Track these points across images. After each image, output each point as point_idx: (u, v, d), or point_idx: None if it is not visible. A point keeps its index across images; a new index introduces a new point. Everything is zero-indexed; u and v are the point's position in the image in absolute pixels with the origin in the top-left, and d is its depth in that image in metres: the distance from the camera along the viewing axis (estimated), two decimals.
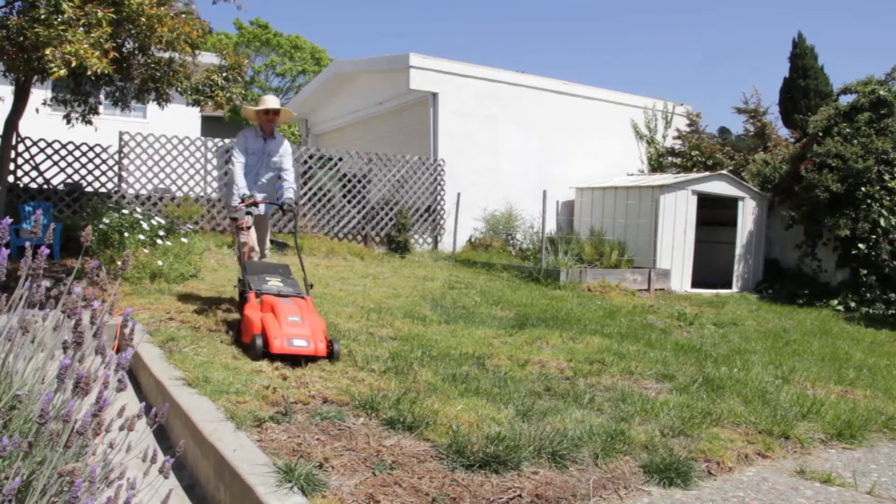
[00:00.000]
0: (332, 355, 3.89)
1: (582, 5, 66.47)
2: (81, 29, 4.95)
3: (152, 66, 6.56)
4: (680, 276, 10.61)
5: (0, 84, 8.17)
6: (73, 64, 4.86)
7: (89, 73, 5.10)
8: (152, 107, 7.90)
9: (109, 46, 5.19)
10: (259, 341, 3.81)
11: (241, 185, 5.06)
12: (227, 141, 10.31)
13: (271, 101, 5.23)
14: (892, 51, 49.58)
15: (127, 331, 1.84)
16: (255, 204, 5.07)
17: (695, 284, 10.78)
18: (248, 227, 5.02)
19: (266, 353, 3.79)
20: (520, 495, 2.36)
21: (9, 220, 1.80)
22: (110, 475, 1.73)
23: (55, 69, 4.83)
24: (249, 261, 4.96)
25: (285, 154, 5.29)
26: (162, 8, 5.73)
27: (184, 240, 7.22)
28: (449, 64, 11.71)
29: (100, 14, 5.07)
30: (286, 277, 4.72)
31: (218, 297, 5.86)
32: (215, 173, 10.01)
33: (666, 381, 4.24)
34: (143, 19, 5.47)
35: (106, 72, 5.18)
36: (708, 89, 62.72)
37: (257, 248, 5.34)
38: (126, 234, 6.67)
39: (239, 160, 5.09)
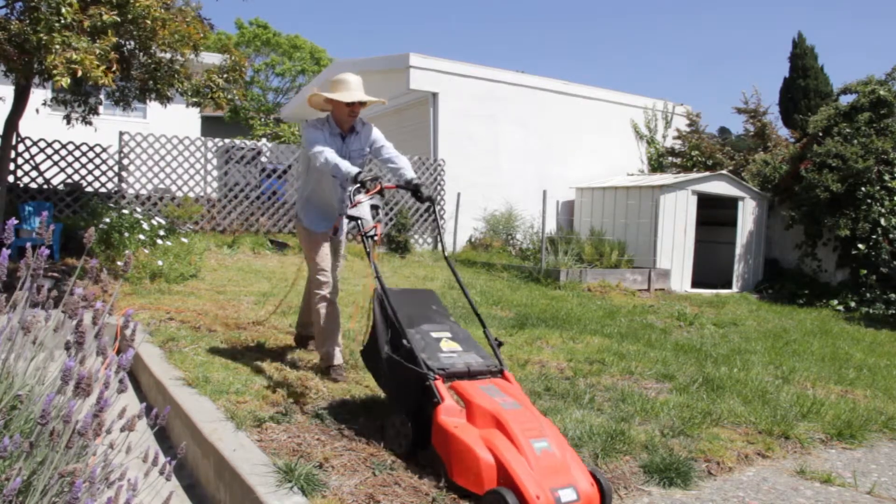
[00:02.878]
0: (605, 499, 2.32)
1: (582, 5, 66.47)
2: (85, 36, 4.91)
3: (153, 66, 6.55)
4: (680, 276, 10.61)
5: (0, 84, 8.17)
6: (79, 74, 4.81)
7: (92, 83, 5.06)
8: (152, 107, 7.91)
9: (114, 58, 5.13)
10: (512, 500, 2.14)
11: (344, 166, 3.36)
12: (226, 141, 10.32)
13: (356, 87, 3.62)
14: (892, 51, 49.61)
15: (128, 331, 1.85)
16: (382, 192, 3.35)
17: (695, 284, 10.78)
18: (373, 236, 3.31)
19: None
20: None
21: (14, 220, 1.81)
22: (111, 476, 1.74)
23: (58, 77, 4.77)
24: (393, 292, 3.07)
25: (379, 140, 3.80)
26: (167, 11, 5.71)
27: (184, 240, 7.23)
28: (449, 64, 11.71)
29: (105, 17, 5.02)
30: (450, 322, 3.08)
31: (218, 297, 5.86)
32: (215, 173, 10.01)
33: (666, 381, 4.24)
34: (148, 21, 5.43)
35: (109, 86, 5.13)
36: (708, 89, 62.72)
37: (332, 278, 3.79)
38: (126, 234, 6.68)
39: (324, 148, 3.48)
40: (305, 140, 3.64)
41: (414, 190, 3.53)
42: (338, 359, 3.70)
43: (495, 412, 2.46)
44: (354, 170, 3.33)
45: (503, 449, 2.33)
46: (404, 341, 2.76)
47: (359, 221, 3.28)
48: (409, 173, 3.64)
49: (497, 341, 3.01)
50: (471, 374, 2.74)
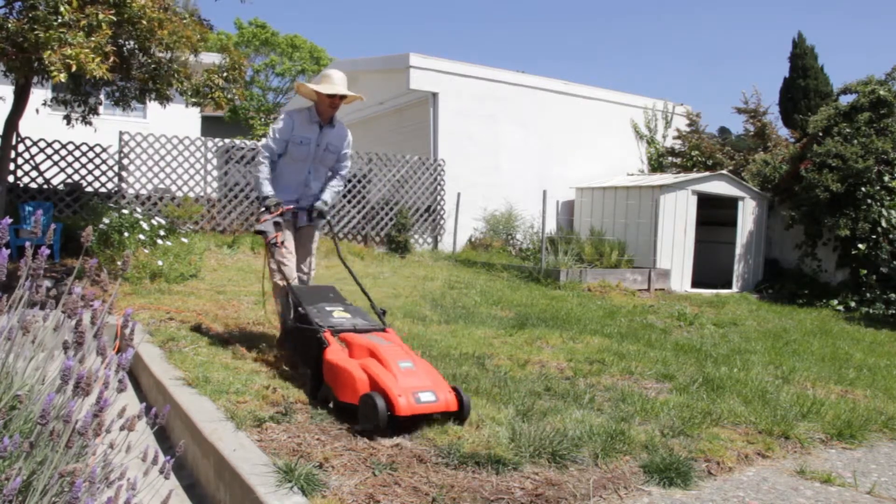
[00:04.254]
0: (462, 409, 2.92)
1: (582, 5, 66.46)
2: (81, 32, 4.93)
3: (152, 66, 6.55)
4: (680, 275, 10.61)
5: (0, 84, 8.17)
6: (74, 68, 4.84)
7: (89, 77, 5.08)
8: (152, 107, 7.92)
9: (110, 50, 5.16)
10: (382, 403, 2.73)
11: (265, 189, 3.97)
12: (226, 141, 10.32)
13: (339, 82, 4.02)
14: (892, 51, 49.64)
15: (127, 331, 1.84)
16: (293, 213, 4.10)
17: (695, 284, 10.79)
18: (282, 243, 3.97)
19: (391, 418, 2.76)
20: (520, 495, 2.36)
21: (9, 219, 1.80)
22: (111, 475, 1.73)
23: (55, 72, 4.81)
24: (297, 286, 3.91)
25: (347, 149, 4.27)
26: (164, 12, 5.72)
27: (184, 240, 7.23)
28: (449, 64, 11.71)
29: (101, 16, 5.04)
30: (345, 303, 3.81)
31: (218, 296, 5.86)
32: (215, 173, 10.01)
33: (666, 381, 4.24)
34: (144, 22, 5.45)
35: (106, 77, 5.16)
36: (708, 89, 62.72)
37: (295, 272, 4.13)
38: (126, 234, 6.68)
39: (265, 154, 4.01)
40: (272, 128, 4.10)
41: (307, 210, 4.18)
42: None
43: (369, 345, 3.14)
44: (265, 194, 3.96)
45: (374, 368, 2.95)
46: (300, 309, 3.57)
47: (264, 234, 3.94)
48: (324, 195, 4.21)
49: (381, 310, 3.79)
50: (357, 331, 3.41)
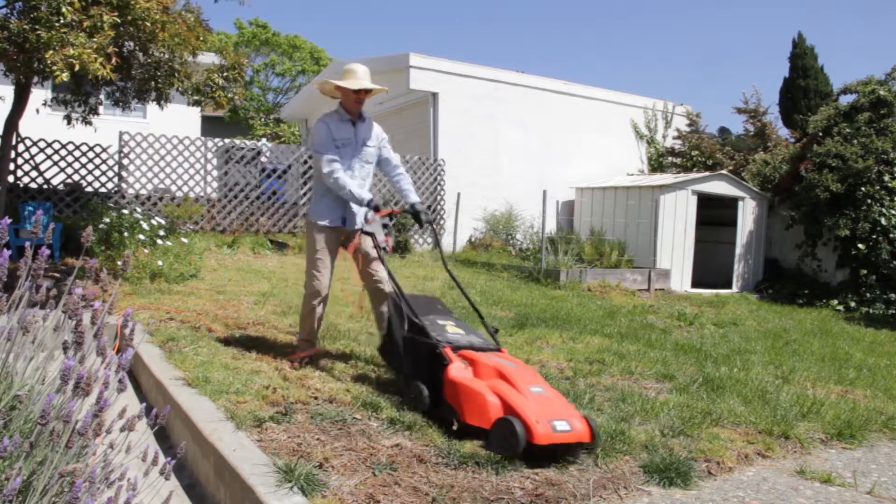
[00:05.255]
0: (595, 438, 2.76)
1: (582, 5, 66.49)
2: (84, 33, 4.94)
3: (153, 66, 6.55)
4: (680, 275, 10.61)
5: (0, 84, 8.17)
6: (77, 68, 4.84)
7: (91, 77, 5.08)
8: (152, 107, 7.91)
9: (113, 51, 5.16)
10: (520, 429, 2.61)
11: (362, 194, 3.77)
12: (226, 141, 10.32)
13: (363, 76, 3.90)
14: (892, 51, 49.64)
15: (127, 331, 1.84)
16: (392, 215, 3.90)
17: (695, 284, 10.78)
18: (384, 248, 3.79)
19: (528, 445, 2.62)
20: (520, 495, 2.36)
21: (9, 220, 1.80)
22: (111, 476, 1.73)
23: (57, 72, 4.81)
24: (411, 294, 3.71)
25: (385, 141, 4.10)
26: (167, 14, 5.72)
27: (184, 240, 7.23)
28: (449, 64, 11.71)
29: (105, 17, 5.04)
30: (453, 317, 3.70)
31: (218, 296, 5.86)
32: (215, 173, 10.01)
33: (666, 380, 4.24)
34: (147, 24, 5.45)
35: (109, 77, 5.16)
36: (708, 89, 62.75)
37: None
38: (126, 234, 6.68)
39: (331, 159, 3.79)
40: (315, 143, 3.90)
41: (415, 214, 3.91)
42: (302, 350, 4.01)
43: (498, 367, 3.04)
44: (367, 196, 3.77)
45: (506, 391, 2.85)
46: (416, 320, 3.40)
47: (372, 236, 3.77)
48: (413, 197, 3.97)
49: (494, 329, 3.68)
50: (474, 349, 3.26)
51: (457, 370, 3.07)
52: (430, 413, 3.09)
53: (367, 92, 3.91)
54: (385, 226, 3.82)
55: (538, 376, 3.10)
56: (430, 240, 11.51)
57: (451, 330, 3.45)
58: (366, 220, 3.81)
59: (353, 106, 3.92)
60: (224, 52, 7.19)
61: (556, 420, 2.69)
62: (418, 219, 3.88)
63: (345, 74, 3.92)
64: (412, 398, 3.21)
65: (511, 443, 2.62)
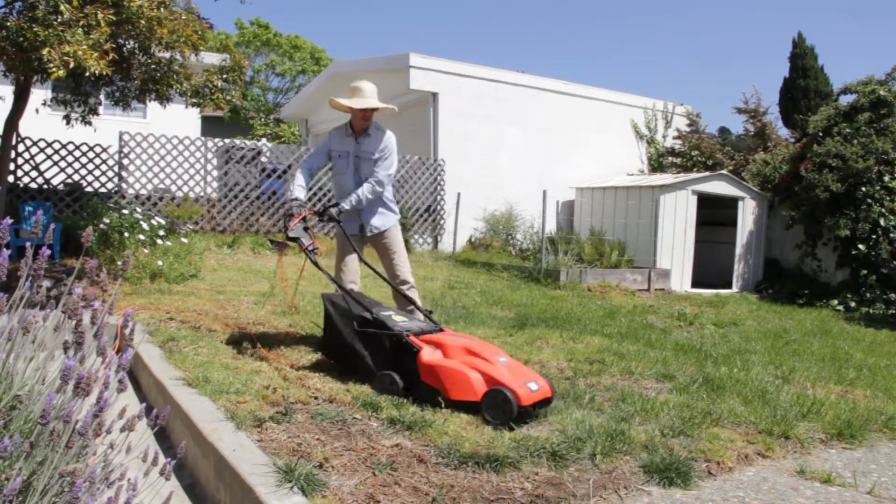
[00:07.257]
0: (554, 392, 3.30)
1: (582, 5, 66.50)
2: (80, 30, 4.95)
3: (152, 66, 6.56)
4: (680, 275, 10.61)
5: (0, 84, 8.17)
6: (72, 65, 4.86)
7: (88, 74, 5.09)
8: (152, 107, 7.92)
9: (109, 47, 5.18)
10: (512, 395, 2.97)
11: (289, 192, 3.97)
12: (226, 141, 10.32)
13: (370, 94, 4.11)
14: (892, 51, 49.67)
15: (127, 331, 1.84)
16: (304, 218, 4.08)
17: (695, 284, 10.79)
18: (314, 250, 3.92)
19: (518, 409, 2.99)
20: (520, 495, 2.36)
21: (9, 220, 1.80)
22: (111, 476, 1.73)
23: (54, 69, 4.82)
24: (355, 292, 3.97)
25: (384, 156, 4.19)
26: (162, 10, 5.72)
27: (184, 240, 7.22)
28: (449, 64, 11.71)
29: (100, 16, 5.06)
30: (388, 307, 3.94)
31: (218, 296, 5.86)
32: (215, 173, 10.01)
33: (666, 381, 4.24)
34: (142, 21, 5.46)
35: (104, 73, 5.17)
36: (708, 89, 62.77)
37: (356, 280, 4.27)
38: (126, 234, 6.67)
39: (302, 164, 4.20)
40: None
41: (320, 213, 4.17)
42: None
43: (465, 345, 3.36)
44: (290, 196, 4.04)
45: (482, 365, 3.19)
46: (369, 316, 3.57)
47: (297, 241, 3.92)
48: (344, 202, 4.11)
49: (428, 310, 4.08)
50: (424, 332, 3.54)
51: (429, 354, 3.33)
52: (405, 396, 3.29)
53: (374, 110, 4.11)
54: (306, 229, 4.01)
55: (498, 348, 3.46)
56: (430, 240, 11.52)
57: (398, 318, 3.65)
58: (285, 227, 3.97)
59: (358, 123, 4.14)
60: (228, 51, 7.19)
61: (528, 382, 3.12)
62: (322, 215, 4.13)
63: (351, 92, 4.13)
64: (385, 387, 3.39)
65: (506, 409, 2.98)
